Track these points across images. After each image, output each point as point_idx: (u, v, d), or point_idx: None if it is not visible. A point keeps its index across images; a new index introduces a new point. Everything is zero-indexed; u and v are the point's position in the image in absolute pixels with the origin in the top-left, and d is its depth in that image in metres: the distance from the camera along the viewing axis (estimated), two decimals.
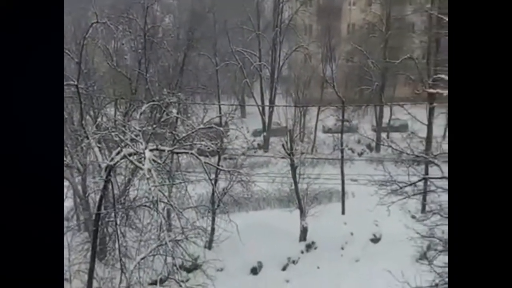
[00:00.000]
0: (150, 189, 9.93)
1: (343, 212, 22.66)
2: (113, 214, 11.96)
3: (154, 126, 12.40)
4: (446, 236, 10.88)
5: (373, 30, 33.05)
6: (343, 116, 25.60)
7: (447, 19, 7.24)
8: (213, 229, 18.86)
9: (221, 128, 14.58)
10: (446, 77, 6.86)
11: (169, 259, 11.62)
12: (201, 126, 13.30)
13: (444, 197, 10.88)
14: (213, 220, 18.73)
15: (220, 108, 27.03)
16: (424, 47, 29.95)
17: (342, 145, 23.92)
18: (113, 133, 11.04)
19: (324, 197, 23.34)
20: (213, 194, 18.82)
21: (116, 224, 11.70)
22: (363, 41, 31.55)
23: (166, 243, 10.81)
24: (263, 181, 21.66)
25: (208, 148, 13.68)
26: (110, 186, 11.46)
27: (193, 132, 12.88)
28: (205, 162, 12.32)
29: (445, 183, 10.65)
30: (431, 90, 7.72)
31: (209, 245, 19.00)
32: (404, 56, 27.35)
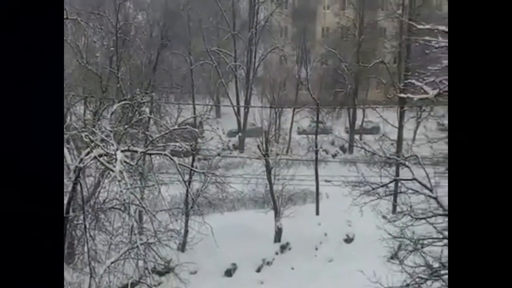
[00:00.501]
0: (121, 191, 9.63)
1: (317, 213, 22.92)
2: (82, 217, 11.54)
3: (126, 126, 12.06)
4: (415, 236, 11.17)
5: (347, 34, 33.67)
6: (317, 117, 25.95)
7: (417, 26, 7.40)
8: (186, 231, 18.58)
9: (196, 130, 14.35)
10: (417, 82, 7.01)
11: (141, 263, 11.33)
12: (175, 127, 13.06)
13: (414, 198, 11.19)
14: (187, 222, 18.46)
15: (194, 108, 26.69)
16: (395, 52, 30.86)
17: (316, 146, 24.23)
18: (82, 133, 10.63)
19: (298, 198, 23.54)
20: (187, 195, 18.55)
21: (85, 227, 11.28)
22: (337, 44, 32.10)
23: (137, 247, 10.52)
24: (238, 182, 21.60)
25: (182, 149, 13.47)
26: (79, 188, 11.04)
27: (166, 133, 12.63)
28: (179, 164, 12.11)
29: (415, 185, 10.95)
30: (402, 95, 7.96)
31: (182, 248, 18.70)
32: (376, 60, 28.07)
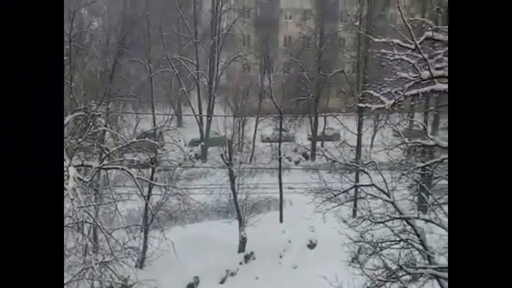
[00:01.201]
0: (74, 210, 9.13)
1: (281, 220, 23.02)
2: None
3: (80, 139, 11.49)
4: (375, 239, 11.44)
5: (308, 43, 34.46)
6: (280, 125, 26.19)
7: (374, 39, 7.64)
8: (145, 247, 17.94)
9: (156, 143, 13.95)
10: (374, 93, 7.22)
11: (96, 283, 10.75)
12: (134, 139, 12.63)
13: (373, 203, 11.49)
14: (146, 237, 17.83)
15: (154, 118, 25.98)
16: (354, 62, 31.89)
17: (279, 154, 24.40)
18: None
19: (263, 206, 23.54)
20: (146, 209, 17.93)
21: None
22: (299, 53, 32.76)
23: (92, 267, 9.97)
24: (201, 192, 21.24)
25: (141, 162, 13.02)
26: None
27: (124, 146, 12.17)
28: (137, 178, 11.66)
29: (374, 190, 11.24)
30: (361, 105, 8.24)
31: (140, 264, 17.99)
32: (336, 69, 28.93)
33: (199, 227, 21.70)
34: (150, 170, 17.02)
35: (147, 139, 13.21)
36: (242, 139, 30.37)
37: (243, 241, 20.47)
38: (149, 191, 16.69)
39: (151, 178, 16.36)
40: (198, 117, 30.73)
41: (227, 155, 20.56)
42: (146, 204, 16.02)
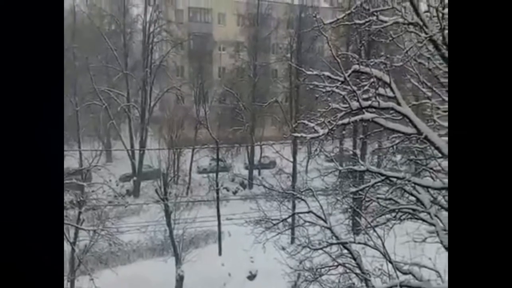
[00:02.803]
0: None
1: (220, 253, 22.45)
2: None
3: None
4: (314, 266, 11.50)
5: (242, 74, 35.37)
6: (217, 156, 25.98)
7: (306, 72, 7.96)
8: None
9: (83, 184, 12.98)
10: (309, 123, 7.43)
11: None
12: None
13: (311, 230, 11.64)
14: (72, 285, 16.03)
15: (81, 154, 24.22)
16: (287, 92, 33.31)
17: (217, 185, 24.02)
18: None
19: (201, 239, 22.83)
20: (72, 254, 16.24)
21: None
22: (234, 84, 33.42)
23: None
24: (133, 231, 19.92)
25: (66, 203, 11.94)
26: None
27: None
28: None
29: (311, 216, 11.42)
30: (296, 134, 8.52)
31: None
32: (271, 99, 29.92)
33: (131, 268, 20.21)
34: (77, 210, 15.66)
35: (73, 180, 12.34)
36: (178, 171, 29.53)
37: (180, 279, 19.40)
38: (76, 234, 15.23)
39: (78, 219, 15.03)
40: (129, 151, 29.34)
41: (162, 189, 19.71)
42: (72, 249, 14.54)
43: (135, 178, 29.11)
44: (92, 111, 29.83)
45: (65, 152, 19.89)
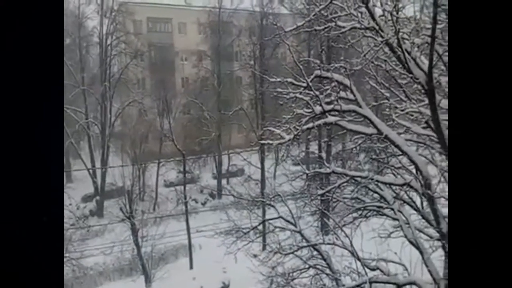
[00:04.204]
0: None
1: (191, 267, 21.93)
2: None
3: None
4: (286, 270, 11.53)
5: (206, 84, 35.11)
6: (184, 168, 25.53)
7: (270, 79, 8.08)
8: None
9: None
10: (274, 129, 7.55)
11: None
12: None
13: (282, 235, 11.66)
14: None
15: None
16: (252, 99, 33.46)
17: (185, 198, 23.57)
18: None
19: (171, 255, 22.21)
20: None
21: None
22: (198, 94, 33.08)
23: None
24: (98, 253, 19.07)
25: None
26: None
27: None
28: None
29: (281, 222, 11.45)
30: (263, 141, 8.57)
31: None
32: (236, 107, 29.92)
33: None
34: None
35: None
36: (144, 187, 28.70)
37: None
38: None
39: None
40: (90, 170, 28.21)
41: (127, 206, 19.06)
42: None
43: (98, 197, 27.98)
44: None
45: None
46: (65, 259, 13.67)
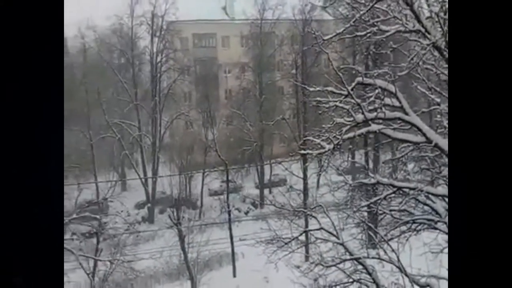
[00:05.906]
0: None
1: (234, 275, 22.37)
2: None
3: None
4: (328, 283, 11.22)
5: (248, 95, 35.69)
6: (227, 177, 26.02)
7: (309, 89, 8.06)
8: None
9: (97, 216, 13.40)
10: (314, 139, 7.47)
11: None
12: (74, 216, 12.05)
13: (323, 246, 11.39)
14: None
15: (97, 186, 24.69)
16: (293, 108, 33.33)
17: (228, 207, 24.01)
18: None
19: (215, 262, 22.96)
20: (91, 286, 16.32)
21: None
22: (240, 105, 33.74)
23: None
24: (149, 257, 19.89)
25: (85, 233, 12.20)
26: None
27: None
28: (79, 255, 10.87)
29: (323, 233, 11.20)
30: (303, 152, 8.47)
31: None
32: (278, 117, 29.92)
33: None
34: (95, 240, 15.89)
35: (86, 213, 12.71)
36: (190, 195, 29.54)
37: None
38: (95, 264, 15.38)
39: (96, 249, 15.26)
40: (143, 179, 29.74)
41: (175, 214, 19.76)
42: (91, 281, 14.71)
43: (149, 205, 29.56)
44: (106, 143, 30.43)
45: (81, 185, 20.32)
46: (118, 262, 14.57)
